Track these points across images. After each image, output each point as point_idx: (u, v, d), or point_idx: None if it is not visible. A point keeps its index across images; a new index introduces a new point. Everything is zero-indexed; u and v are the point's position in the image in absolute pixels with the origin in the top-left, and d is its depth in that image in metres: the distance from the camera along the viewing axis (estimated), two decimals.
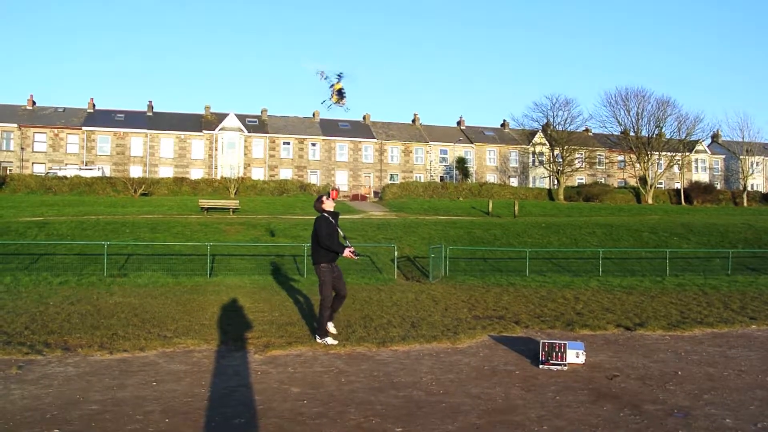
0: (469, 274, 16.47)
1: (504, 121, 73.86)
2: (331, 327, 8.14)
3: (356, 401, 5.52)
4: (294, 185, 50.09)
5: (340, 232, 8.21)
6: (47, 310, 9.59)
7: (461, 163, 65.36)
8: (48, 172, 50.00)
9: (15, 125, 56.94)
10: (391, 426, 4.90)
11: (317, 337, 7.89)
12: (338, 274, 8.17)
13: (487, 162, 68.76)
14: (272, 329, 8.40)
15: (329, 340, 7.81)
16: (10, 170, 52.63)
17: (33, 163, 56.44)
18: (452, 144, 68.06)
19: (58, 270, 15.02)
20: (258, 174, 60.20)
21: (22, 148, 56.84)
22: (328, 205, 8.18)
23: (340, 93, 9.19)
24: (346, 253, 7.94)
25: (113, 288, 12.49)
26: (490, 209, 40.10)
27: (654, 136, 57.92)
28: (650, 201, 54.56)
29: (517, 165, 68.67)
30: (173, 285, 13.29)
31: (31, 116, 59.27)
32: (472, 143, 68.68)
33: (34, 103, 61.51)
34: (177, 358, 6.90)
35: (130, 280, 13.77)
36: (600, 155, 64.46)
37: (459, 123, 73.03)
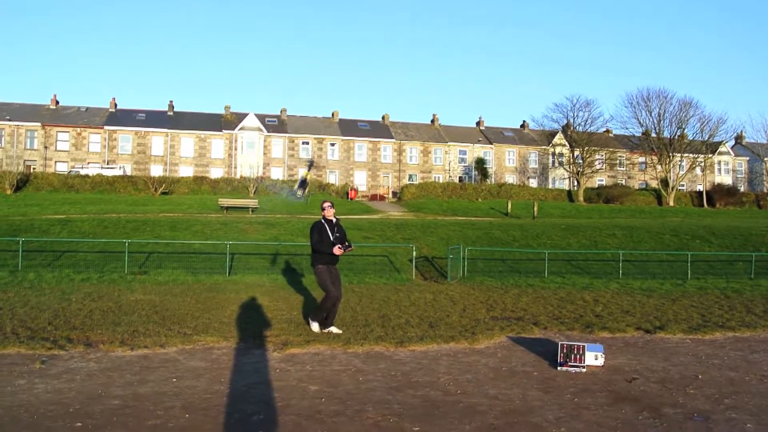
0: (488, 274, 16.42)
1: (524, 121, 73.51)
2: (315, 327, 8.38)
3: (374, 400, 5.54)
4: (313, 185, 50.28)
5: (336, 235, 8.45)
6: (70, 306, 9.74)
7: (480, 163, 65.13)
8: (70, 171, 50.67)
9: (39, 124, 57.79)
10: (408, 425, 4.92)
11: (309, 319, 8.49)
12: (335, 276, 8.48)
13: (506, 163, 68.49)
14: (291, 327, 8.46)
15: (315, 327, 8.27)
16: (33, 168, 53.38)
17: (56, 162, 57.22)
18: (471, 144, 67.88)
19: (80, 267, 15.22)
20: (277, 173, 60.50)
21: (46, 147, 57.66)
22: (328, 213, 8.51)
23: (304, 183, 9.14)
24: (335, 250, 8.26)
25: (134, 285, 12.64)
26: (509, 210, 39.95)
27: (676, 137, 57.28)
28: (672, 203, 53.96)
29: (537, 166, 68.27)
30: (193, 283, 13.42)
31: (55, 115, 60.12)
32: (491, 144, 68.45)
33: (57, 102, 62.37)
34: (197, 355, 6.98)
35: (151, 278, 13.92)
36: (621, 157, 63.80)
37: (478, 123, 72.79)
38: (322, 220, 8.47)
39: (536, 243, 21.81)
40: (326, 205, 8.57)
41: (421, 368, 6.71)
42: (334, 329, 8.29)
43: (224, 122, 63.16)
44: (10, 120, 57.46)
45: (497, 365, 6.90)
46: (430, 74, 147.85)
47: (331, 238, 8.31)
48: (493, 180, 62.82)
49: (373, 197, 55.22)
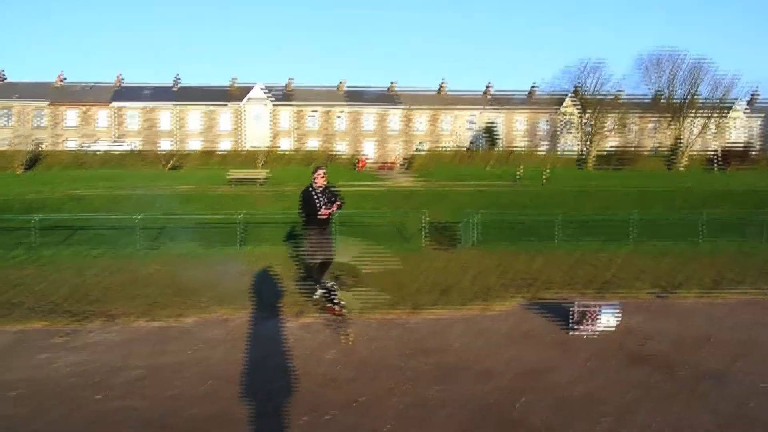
0: (499, 241, 16.43)
1: (533, 86, 72.64)
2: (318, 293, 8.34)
3: (388, 366, 5.64)
4: (321, 155, 50.20)
5: (324, 202, 8.38)
6: (87, 281, 9.87)
7: (489, 130, 64.70)
8: (80, 148, 50.84)
9: (46, 102, 57.83)
10: (423, 390, 5.02)
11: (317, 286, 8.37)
12: (326, 240, 8.49)
13: (515, 129, 67.97)
14: (304, 297, 8.55)
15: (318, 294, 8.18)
16: (43, 147, 53.57)
17: (65, 140, 57.37)
18: (480, 111, 67.34)
19: (95, 242, 15.35)
20: (285, 145, 60.38)
21: (54, 125, 57.80)
22: (318, 182, 8.42)
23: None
24: (321, 212, 8.20)
25: (148, 259, 12.77)
26: (519, 176, 39.80)
27: (688, 99, 56.48)
28: (684, 166, 53.51)
29: (547, 131, 67.66)
30: (206, 255, 13.54)
31: (62, 93, 60.10)
32: (500, 109, 67.89)
33: (63, 80, 62.32)
34: (213, 326, 7.10)
35: (165, 251, 14.05)
36: (631, 121, 63.05)
37: (487, 89, 72.09)
38: (311, 188, 8.45)
39: (547, 208, 21.76)
40: (317, 174, 8.49)
41: (434, 334, 6.79)
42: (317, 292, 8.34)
43: (231, 94, 62.95)
44: (18, 98, 57.54)
45: (510, 330, 6.97)
46: (437, 40, 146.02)
47: (318, 206, 8.30)
48: (502, 146, 62.45)
49: (382, 167, 55.08)
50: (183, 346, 6.32)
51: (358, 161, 48.57)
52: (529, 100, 70.33)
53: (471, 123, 67.19)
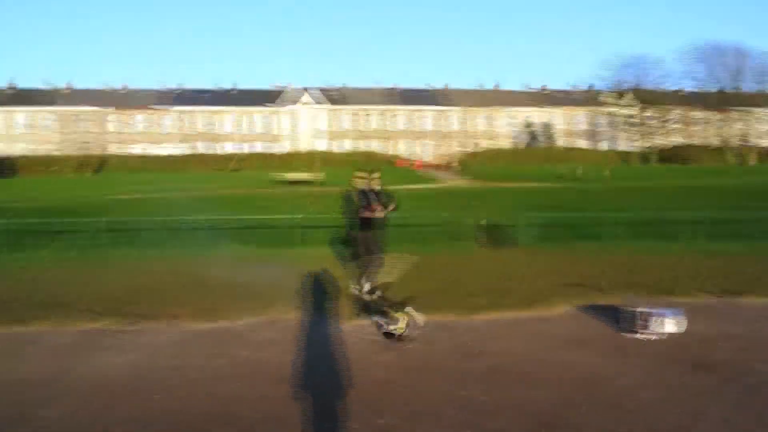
0: (555, 241, 16.05)
1: (591, 83, 71.07)
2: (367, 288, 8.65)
3: (443, 369, 5.57)
4: (378, 156, 50.39)
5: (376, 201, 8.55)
6: (145, 282, 10.14)
7: (546, 128, 63.64)
8: (144, 152, 52.53)
9: (113, 108, 60.00)
10: (478, 394, 4.93)
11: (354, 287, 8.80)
12: (374, 243, 8.71)
13: (572, 126, 66.63)
14: (358, 299, 8.55)
15: (366, 288, 8.56)
16: (109, 151, 55.54)
17: (130, 144, 59.38)
18: (536, 109, 66.32)
19: (151, 244, 15.79)
20: (340, 146, 60.88)
21: (120, 130, 59.90)
22: (357, 182, 8.70)
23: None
24: (374, 212, 8.38)
25: (204, 261, 13.03)
26: (577, 175, 39.00)
27: (756, 92, 54.21)
28: (754, 161, 51.31)
29: (605, 128, 66.02)
30: (262, 257, 13.73)
31: (127, 99, 62.22)
32: (556, 107, 66.68)
33: (128, 86, 64.54)
34: (267, 327, 7.17)
35: (221, 253, 14.32)
36: (695, 115, 60.84)
37: (543, 87, 70.94)
38: (352, 188, 8.61)
39: (605, 207, 21.19)
40: (373, 176, 8.65)
41: (489, 338, 6.67)
42: (357, 289, 8.49)
43: (288, 97, 63.88)
44: (76, 104, 59.86)
45: (567, 333, 6.79)
46: (490, 38, 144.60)
47: (361, 204, 8.37)
48: (558, 144, 61.32)
49: (437, 166, 54.86)
50: (238, 347, 6.40)
51: (413, 162, 48.52)
52: (586, 98, 68.83)
53: (527, 122, 66.24)
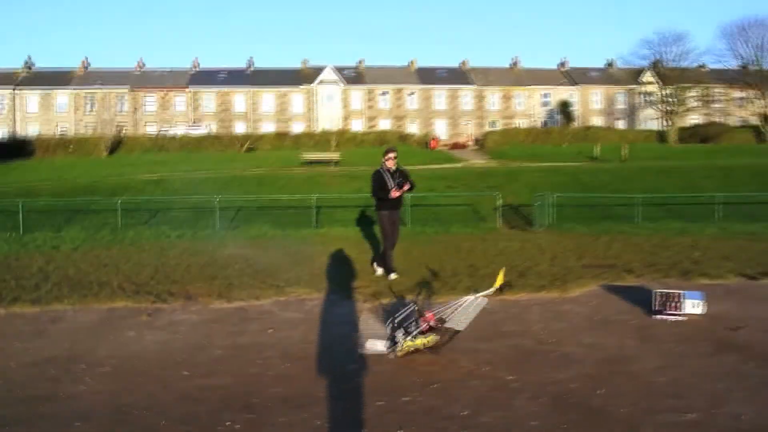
0: (576, 221, 16.01)
1: (609, 60, 70.05)
2: (379, 271, 8.84)
3: (465, 349, 5.59)
4: (393, 136, 50.25)
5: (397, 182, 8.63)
6: (168, 261, 10.26)
7: (564, 106, 63.02)
8: (159, 132, 52.80)
9: (127, 88, 60.24)
10: (502, 374, 4.96)
11: (374, 264, 9.06)
12: (394, 222, 8.87)
13: (591, 105, 65.88)
14: (379, 279, 8.61)
15: (379, 271, 8.79)
16: (124, 131, 55.86)
17: (145, 124, 59.68)
18: (554, 87, 65.62)
19: (175, 224, 15.95)
20: (357, 126, 60.77)
21: (135, 110, 60.18)
22: (389, 163, 8.69)
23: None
24: (393, 192, 8.50)
25: (226, 240, 13.16)
26: (597, 154, 38.67)
27: None
28: None
29: (625, 106, 65.17)
30: (282, 237, 13.83)
31: (141, 79, 62.44)
32: (575, 85, 65.93)
33: (143, 65, 64.68)
34: (290, 307, 7.25)
35: (242, 233, 14.44)
36: (716, 93, 59.74)
37: (561, 65, 70.05)
38: (381, 170, 8.63)
39: (626, 187, 21.04)
40: (389, 156, 8.69)
41: (512, 317, 6.70)
42: (392, 275, 8.52)
43: (303, 77, 63.76)
44: (102, 85, 60.17)
45: (591, 314, 6.79)
46: (509, 15, 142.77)
47: (389, 186, 8.46)
48: (578, 123, 60.71)
49: (455, 146, 54.61)
50: (261, 326, 6.49)
51: (431, 141, 48.32)
52: (606, 75, 67.95)
53: (545, 100, 65.63)
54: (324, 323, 6.52)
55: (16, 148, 42.35)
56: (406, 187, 8.59)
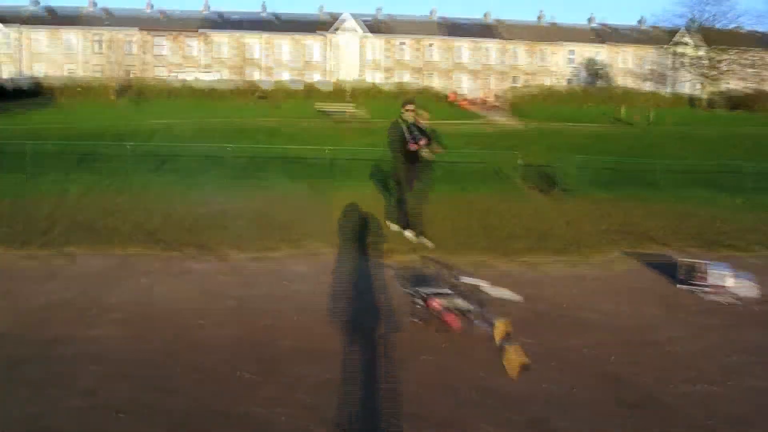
0: (598, 186, 15.91)
1: (641, 17, 68.44)
2: (409, 234, 8.62)
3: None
4: (412, 88, 49.74)
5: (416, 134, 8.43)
6: (179, 210, 10.35)
7: (591, 65, 61.91)
8: (169, 77, 52.54)
9: (136, 30, 59.74)
10: (518, 337, 5.03)
11: (399, 227, 8.81)
12: (413, 174, 8.68)
13: (620, 64, 64.67)
14: (395, 236, 8.67)
15: (408, 234, 8.55)
16: (133, 74, 55.63)
17: (154, 67, 59.33)
18: (582, 44, 64.39)
19: (185, 172, 16.01)
20: (375, 77, 60.15)
21: (144, 53, 59.79)
22: (406, 115, 8.49)
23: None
24: (411, 145, 8.29)
25: (237, 191, 13.21)
26: (622, 116, 38.20)
27: None
28: None
29: (656, 68, 63.92)
30: (294, 189, 13.86)
31: (151, 21, 61.81)
32: (604, 43, 64.65)
33: (152, 7, 63.99)
34: (304, 260, 7.36)
35: (254, 184, 14.48)
36: (754, 56, 58.27)
37: (590, 20, 68.58)
38: (400, 120, 8.51)
39: (652, 153, 20.83)
40: (407, 107, 8.56)
41: (529, 281, 6.76)
42: (426, 241, 8.40)
43: (320, 24, 62.90)
44: (109, 25, 59.72)
45: (611, 280, 6.85)
46: None
47: (407, 137, 8.33)
48: (605, 83, 59.75)
49: (476, 103, 54.03)
50: (274, 278, 6.60)
51: (449, 94, 47.76)
52: (637, 34, 66.41)
53: (572, 58, 64.47)
54: (337, 278, 6.62)
55: (22, 91, 42.35)
56: (422, 142, 8.48)
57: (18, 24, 58.50)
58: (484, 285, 5.75)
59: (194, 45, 60.72)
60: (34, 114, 32.10)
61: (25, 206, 10.50)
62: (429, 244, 8.26)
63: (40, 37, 59.28)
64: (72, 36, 59.74)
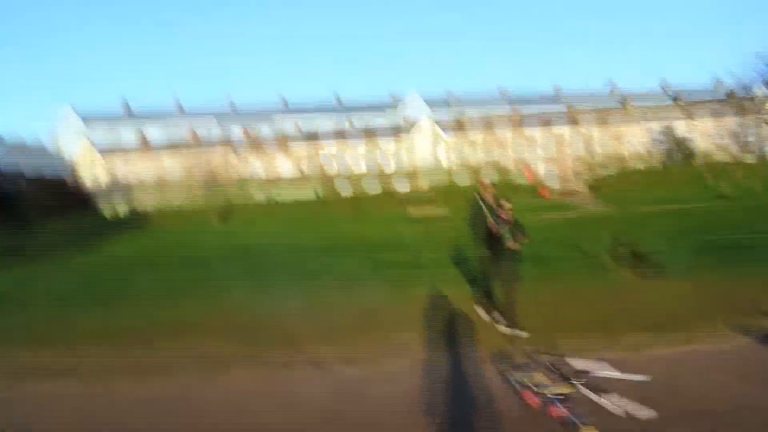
0: (713, 267, 15.34)
1: (716, 78, 66.37)
2: (503, 328, 8.83)
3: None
4: (495, 182, 49.97)
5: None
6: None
7: (680, 140, 60.56)
8: (266, 197, 55.16)
9: (224, 148, 63.26)
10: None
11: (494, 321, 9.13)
12: (498, 260, 8.77)
13: (707, 134, 62.69)
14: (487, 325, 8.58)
15: (503, 328, 8.79)
16: (231, 197, 58.61)
17: (243, 185, 62.24)
18: (663, 117, 63.17)
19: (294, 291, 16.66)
20: (452, 175, 60.94)
21: (239, 174, 63.23)
22: (486, 195, 8.84)
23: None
24: (490, 227, 8.53)
25: (342, 303, 13.60)
26: (725, 191, 36.97)
27: None
28: None
29: (740, 133, 61.20)
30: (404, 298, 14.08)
31: (241, 118, 65.35)
32: (687, 112, 63.08)
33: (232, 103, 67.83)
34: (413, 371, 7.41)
35: (357, 295, 14.86)
36: None
37: (662, 88, 66.90)
38: (478, 198, 8.81)
39: (753, 224, 19.94)
40: (483, 183, 9.16)
41: (660, 376, 6.59)
42: (519, 332, 8.36)
43: (398, 128, 65.01)
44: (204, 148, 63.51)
45: (746, 369, 6.59)
46: (601, 35, 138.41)
47: (491, 222, 8.30)
48: (697, 158, 58.13)
49: (560, 192, 53.57)
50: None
51: (523, 169, 47.72)
52: (719, 101, 64.43)
53: (655, 132, 63.35)
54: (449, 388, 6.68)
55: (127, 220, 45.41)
56: (524, 240, 8.46)
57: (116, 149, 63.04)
58: (600, 368, 5.71)
59: (285, 162, 63.72)
60: (138, 240, 34.05)
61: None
62: (523, 334, 8.23)
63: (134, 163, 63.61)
64: (166, 160, 63.89)
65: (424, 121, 63.63)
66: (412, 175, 61.63)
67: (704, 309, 9.46)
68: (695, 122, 63.16)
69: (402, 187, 53.84)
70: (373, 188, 56.06)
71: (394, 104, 67.41)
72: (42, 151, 63.21)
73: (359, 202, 48.22)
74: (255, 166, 63.97)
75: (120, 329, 10.60)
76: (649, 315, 9.24)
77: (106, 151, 63.44)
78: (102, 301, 13.16)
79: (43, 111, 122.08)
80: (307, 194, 50.66)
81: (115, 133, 64.74)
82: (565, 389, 5.65)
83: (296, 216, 43.81)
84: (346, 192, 53.66)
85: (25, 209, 37.55)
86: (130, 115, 67.09)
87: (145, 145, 64.92)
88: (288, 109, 68.51)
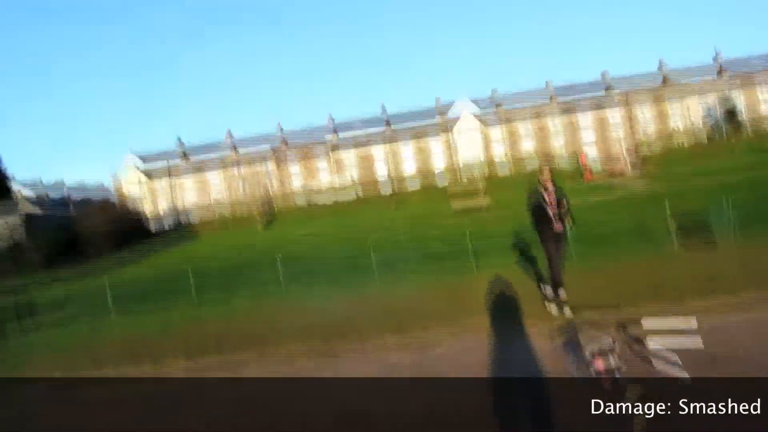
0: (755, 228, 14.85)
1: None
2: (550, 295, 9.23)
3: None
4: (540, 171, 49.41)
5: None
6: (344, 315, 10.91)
7: (730, 112, 58.61)
8: (308, 202, 55.81)
9: (270, 158, 64.21)
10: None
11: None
12: (558, 249, 9.08)
13: (760, 104, 60.46)
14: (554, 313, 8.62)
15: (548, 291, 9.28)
16: (275, 204, 59.33)
17: (290, 190, 62.98)
18: (711, 90, 61.17)
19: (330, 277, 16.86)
20: (496, 165, 60.47)
21: (282, 183, 63.99)
22: (544, 179, 9.25)
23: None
24: (555, 227, 8.89)
25: (392, 288, 13.72)
26: None
27: None
28: None
29: None
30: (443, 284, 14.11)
31: (281, 147, 66.28)
32: (737, 81, 60.96)
33: (281, 129, 68.75)
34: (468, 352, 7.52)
35: (404, 282, 14.95)
36: None
37: (715, 58, 64.83)
38: (539, 196, 9.12)
39: None
40: (544, 170, 9.43)
41: (718, 341, 6.43)
42: (567, 310, 8.47)
43: (441, 125, 64.83)
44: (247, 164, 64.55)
45: None
46: (649, 13, 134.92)
47: (551, 216, 8.55)
48: (748, 129, 56.25)
49: (609, 173, 52.60)
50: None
51: (580, 156, 47.00)
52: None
53: (705, 105, 61.43)
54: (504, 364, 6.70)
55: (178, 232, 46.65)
56: (567, 222, 8.74)
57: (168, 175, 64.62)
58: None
59: (324, 166, 64.15)
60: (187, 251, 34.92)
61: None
62: (569, 313, 8.39)
63: (188, 182, 65.06)
64: (211, 176, 65.01)
65: (469, 117, 63.16)
66: (455, 170, 61.39)
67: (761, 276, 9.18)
68: (746, 89, 60.88)
69: (446, 182, 53.75)
70: (418, 186, 56.14)
71: (439, 108, 67.13)
72: (106, 189, 66.02)
73: (404, 198, 48.41)
74: (301, 174, 64.52)
75: None
76: (706, 283, 9.05)
77: (163, 180, 65.03)
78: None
79: (103, 156, 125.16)
80: (348, 196, 51.05)
81: (172, 167, 66.18)
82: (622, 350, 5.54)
83: (354, 216, 44.21)
84: (389, 191, 53.93)
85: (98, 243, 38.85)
86: (183, 151, 68.50)
87: (198, 172, 66.20)
88: (336, 125, 68.80)
